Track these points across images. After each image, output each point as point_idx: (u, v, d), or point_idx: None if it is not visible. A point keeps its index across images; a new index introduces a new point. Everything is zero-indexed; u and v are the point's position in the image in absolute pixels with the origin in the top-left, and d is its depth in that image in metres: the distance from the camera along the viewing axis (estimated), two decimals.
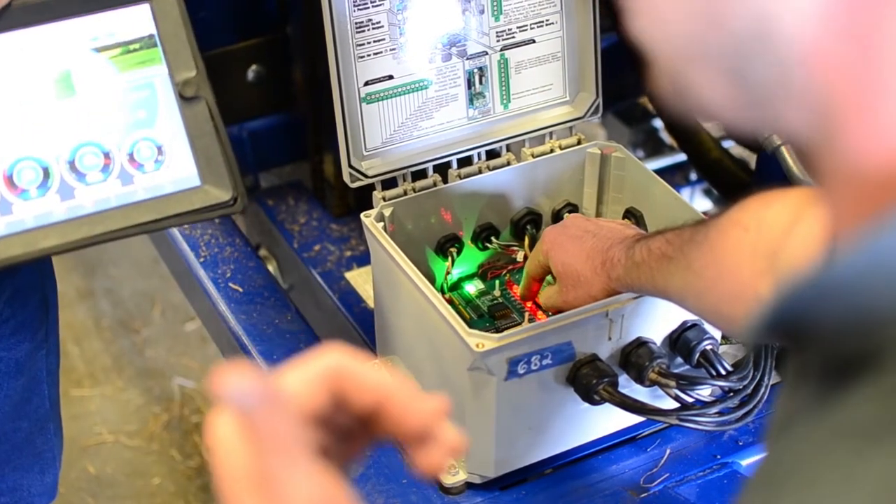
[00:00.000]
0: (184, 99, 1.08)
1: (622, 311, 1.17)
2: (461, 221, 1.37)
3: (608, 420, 1.26)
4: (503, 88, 1.37)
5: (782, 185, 1.24)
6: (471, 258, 1.40)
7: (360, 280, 1.59)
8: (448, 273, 1.38)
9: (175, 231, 1.59)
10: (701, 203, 1.87)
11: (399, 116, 1.32)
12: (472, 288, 1.40)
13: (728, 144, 1.69)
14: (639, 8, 0.54)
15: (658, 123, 1.95)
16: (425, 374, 1.27)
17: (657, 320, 1.21)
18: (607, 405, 1.18)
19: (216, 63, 1.64)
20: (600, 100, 1.40)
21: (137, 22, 1.06)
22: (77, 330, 2.37)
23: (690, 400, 1.19)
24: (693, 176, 1.88)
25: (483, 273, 1.41)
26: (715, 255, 0.98)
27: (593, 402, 1.18)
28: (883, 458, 0.43)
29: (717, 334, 1.23)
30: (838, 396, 0.46)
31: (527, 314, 1.34)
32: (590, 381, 1.17)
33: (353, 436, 0.64)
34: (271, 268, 1.72)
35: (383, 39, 1.29)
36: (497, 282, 1.40)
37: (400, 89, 1.31)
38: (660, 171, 1.38)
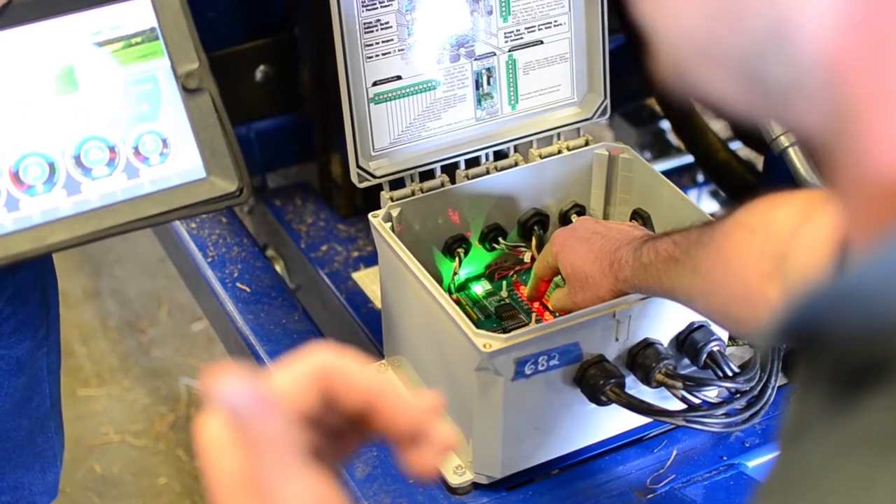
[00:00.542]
0: (187, 91, 1.08)
1: (629, 312, 1.17)
2: (469, 222, 1.37)
3: (615, 421, 1.26)
4: (511, 89, 1.37)
5: (789, 187, 1.24)
6: (478, 259, 1.41)
7: (367, 280, 1.59)
8: (455, 273, 1.38)
9: (183, 231, 1.60)
10: (708, 205, 1.87)
11: (407, 117, 1.32)
12: (480, 288, 1.40)
13: (735, 146, 1.69)
14: None
15: (665, 125, 1.95)
16: (432, 374, 1.27)
17: (664, 321, 1.21)
18: (614, 406, 1.18)
19: (224, 63, 1.64)
20: (608, 101, 1.40)
21: (138, 15, 1.06)
22: (84, 330, 2.37)
23: (697, 401, 1.19)
24: (700, 178, 1.88)
25: (490, 274, 1.41)
26: (722, 257, 0.98)
27: (600, 403, 1.18)
28: None
29: (724, 336, 1.23)
30: (852, 405, 0.46)
31: (534, 315, 1.34)
32: (597, 381, 1.17)
33: (343, 435, 0.63)
34: (279, 268, 1.72)
35: (392, 40, 1.29)
36: (504, 282, 1.40)
37: (408, 90, 1.32)
38: (667, 173, 1.38)
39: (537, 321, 1.32)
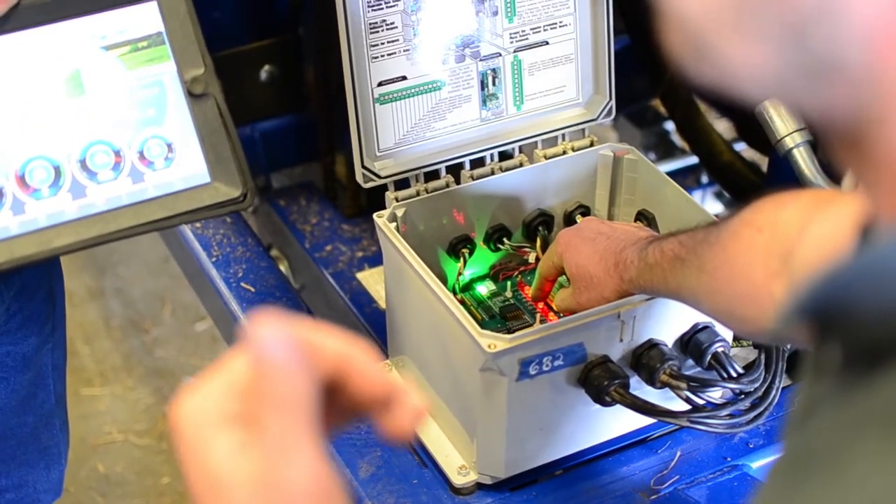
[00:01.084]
0: (192, 96, 1.08)
1: (634, 312, 1.17)
2: (473, 222, 1.37)
3: (619, 421, 1.26)
4: (516, 90, 1.37)
5: (794, 188, 1.24)
6: (483, 259, 1.41)
7: (372, 280, 1.59)
8: (460, 274, 1.38)
9: (187, 231, 1.60)
10: (712, 206, 1.87)
11: (412, 117, 1.32)
12: (484, 289, 1.40)
13: (740, 147, 1.70)
14: None
15: (670, 126, 1.95)
16: (436, 374, 1.27)
17: (669, 322, 1.21)
18: (618, 407, 1.18)
19: (229, 63, 1.64)
20: (613, 102, 1.40)
21: (145, 20, 1.07)
22: (87, 329, 2.37)
23: (701, 402, 1.19)
24: (705, 179, 1.88)
25: (495, 274, 1.41)
26: (728, 256, 0.98)
27: (604, 404, 1.18)
28: None
29: (729, 336, 1.23)
30: (866, 383, 0.46)
31: (538, 315, 1.34)
32: (601, 382, 1.17)
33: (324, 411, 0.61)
34: (283, 268, 1.72)
35: (397, 40, 1.29)
36: (509, 283, 1.40)
37: (413, 90, 1.32)
38: (671, 174, 1.38)
39: (542, 322, 1.32)
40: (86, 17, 1.05)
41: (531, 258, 1.40)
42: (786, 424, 0.52)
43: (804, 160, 1.28)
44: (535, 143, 1.40)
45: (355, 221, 1.71)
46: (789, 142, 1.29)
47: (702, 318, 1.21)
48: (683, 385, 1.18)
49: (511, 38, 1.35)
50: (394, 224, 1.28)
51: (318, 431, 0.56)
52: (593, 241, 1.21)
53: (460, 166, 1.36)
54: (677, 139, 1.94)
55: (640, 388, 1.21)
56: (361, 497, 1.23)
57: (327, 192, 1.76)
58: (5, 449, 1.32)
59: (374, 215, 1.29)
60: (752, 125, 1.38)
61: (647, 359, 1.20)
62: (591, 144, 1.41)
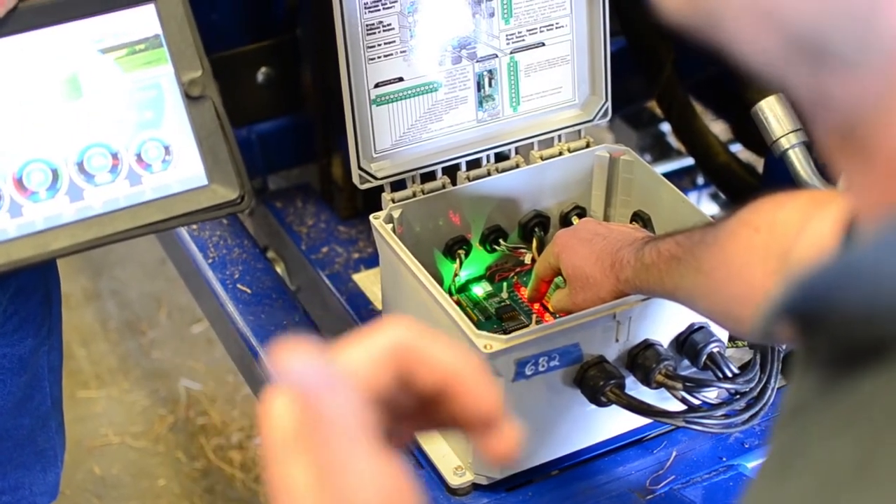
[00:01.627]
0: (190, 98, 1.08)
1: (629, 313, 1.18)
2: (469, 223, 1.38)
3: (615, 422, 1.27)
4: (513, 91, 1.38)
5: (790, 189, 1.24)
6: (479, 260, 1.41)
7: (368, 282, 1.59)
8: (456, 275, 1.38)
9: (183, 232, 1.60)
10: (708, 207, 1.88)
11: (409, 118, 1.33)
12: (480, 290, 1.40)
13: (736, 149, 1.70)
14: None
15: (666, 127, 1.95)
16: None
17: (664, 322, 1.21)
18: (614, 407, 1.19)
19: (226, 65, 1.65)
20: (609, 103, 1.40)
21: (143, 22, 1.07)
22: (83, 332, 2.37)
23: (697, 402, 1.19)
24: (700, 180, 1.88)
25: (491, 275, 1.42)
26: (725, 256, 0.98)
27: (600, 404, 1.19)
28: None
29: (724, 337, 1.23)
30: (850, 383, 0.45)
31: (534, 316, 1.34)
32: (597, 382, 1.17)
33: (413, 416, 0.60)
34: (279, 269, 1.72)
35: (394, 42, 1.29)
36: (505, 284, 1.40)
37: (410, 91, 1.32)
38: (667, 175, 1.38)
39: (537, 322, 1.32)
40: (83, 20, 1.05)
41: (527, 259, 1.40)
42: (774, 422, 0.52)
43: (800, 161, 1.29)
44: (532, 144, 1.40)
45: (352, 223, 1.71)
46: (785, 143, 1.29)
47: (697, 319, 1.21)
48: (679, 385, 1.18)
49: (507, 39, 1.35)
50: (390, 225, 1.28)
51: (377, 442, 0.54)
52: (590, 241, 1.21)
53: (457, 167, 1.36)
54: (673, 141, 1.94)
55: (636, 389, 1.21)
56: None
57: (324, 193, 1.76)
58: (1, 451, 1.32)
59: (371, 216, 1.29)
60: (747, 126, 1.38)
61: (642, 359, 1.20)
62: (588, 146, 1.42)
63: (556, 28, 1.37)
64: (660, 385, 1.19)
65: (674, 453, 1.29)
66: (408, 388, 0.57)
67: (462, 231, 1.38)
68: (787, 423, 0.50)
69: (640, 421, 1.26)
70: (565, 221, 1.42)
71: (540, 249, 1.37)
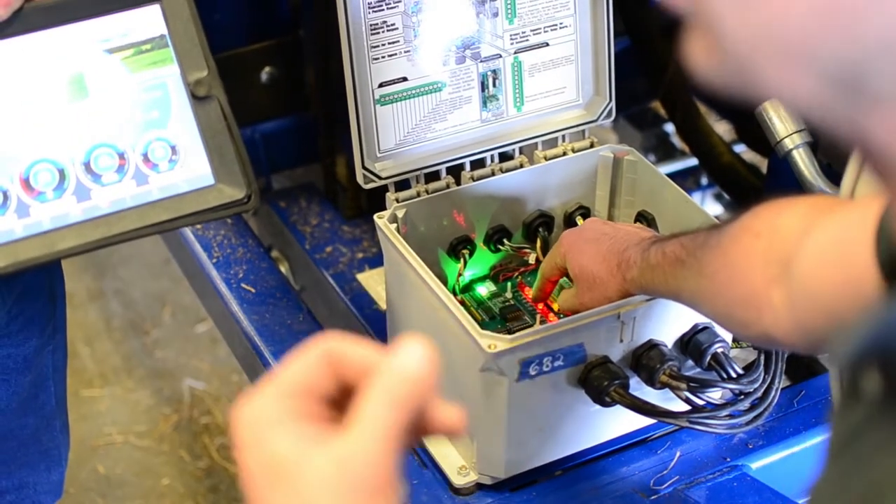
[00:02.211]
0: (196, 98, 1.08)
1: (634, 313, 1.18)
2: (473, 223, 1.38)
3: (619, 422, 1.27)
4: (516, 91, 1.38)
5: (793, 189, 1.24)
6: (483, 260, 1.41)
7: (372, 282, 1.59)
8: (460, 275, 1.38)
9: (188, 232, 1.60)
10: (712, 207, 1.88)
11: (413, 118, 1.33)
12: (484, 290, 1.40)
13: (740, 149, 1.70)
14: None
15: (670, 128, 1.96)
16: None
17: (668, 323, 1.21)
18: (618, 407, 1.19)
19: (229, 65, 1.65)
20: (613, 103, 1.40)
21: (149, 23, 1.07)
22: (88, 331, 2.37)
23: (701, 402, 1.19)
24: (704, 180, 1.88)
25: (495, 275, 1.42)
26: (727, 260, 0.98)
27: (604, 404, 1.19)
28: None
29: (728, 337, 1.23)
30: None
31: (538, 316, 1.34)
32: (601, 382, 1.17)
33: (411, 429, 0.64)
34: (283, 269, 1.72)
35: (398, 41, 1.29)
36: (509, 284, 1.40)
37: (414, 91, 1.32)
38: (671, 175, 1.38)
39: (541, 322, 1.32)
40: (89, 20, 1.06)
41: (531, 259, 1.40)
42: (825, 452, 0.52)
43: (804, 161, 1.29)
44: (536, 144, 1.40)
45: (356, 222, 1.71)
46: (789, 143, 1.29)
47: (701, 319, 1.21)
48: (683, 385, 1.18)
49: (511, 39, 1.35)
50: (394, 225, 1.28)
51: (311, 421, 0.61)
52: (597, 241, 1.21)
53: (461, 167, 1.36)
54: (677, 141, 1.95)
55: (640, 389, 1.21)
56: None
57: (328, 193, 1.76)
58: (6, 450, 1.32)
59: (375, 216, 1.29)
60: (751, 127, 1.38)
61: (646, 359, 1.20)
62: (592, 146, 1.42)
63: (560, 28, 1.37)
64: (664, 385, 1.19)
65: (678, 454, 1.29)
66: (348, 389, 0.63)
67: (466, 231, 1.38)
68: (841, 452, 0.50)
69: (644, 421, 1.26)
70: (569, 221, 1.42)
71: (544, 249, 1.37)
